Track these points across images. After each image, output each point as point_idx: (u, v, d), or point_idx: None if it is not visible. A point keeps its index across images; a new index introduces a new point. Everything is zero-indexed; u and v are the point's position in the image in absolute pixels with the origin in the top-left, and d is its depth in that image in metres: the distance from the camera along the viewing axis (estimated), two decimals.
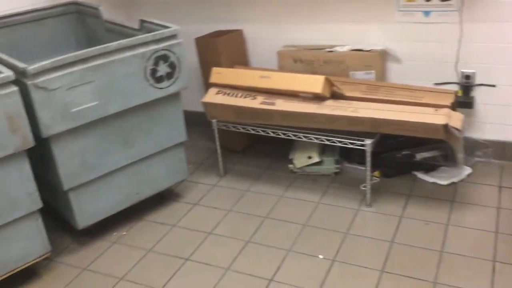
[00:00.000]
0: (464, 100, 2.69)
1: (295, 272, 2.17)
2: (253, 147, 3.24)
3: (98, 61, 2.13)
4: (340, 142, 2.54)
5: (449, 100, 2.46)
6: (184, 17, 3.20)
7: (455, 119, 2.30)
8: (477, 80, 2.69)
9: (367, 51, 2.77)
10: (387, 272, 2.11)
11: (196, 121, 3.28)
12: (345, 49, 2.82)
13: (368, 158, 2.46)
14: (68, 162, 2.19)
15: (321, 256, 2.24)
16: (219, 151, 2.92)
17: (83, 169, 2.25)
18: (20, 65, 1.98)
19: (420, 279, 2.06)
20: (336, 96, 2.53)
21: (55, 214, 2.50)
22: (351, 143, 2.50)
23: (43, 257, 2.22)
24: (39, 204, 2.12)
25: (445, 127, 2.25)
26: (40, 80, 1.98)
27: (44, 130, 2.05)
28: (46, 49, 2.74)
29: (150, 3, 3.37)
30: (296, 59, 2.92)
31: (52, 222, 2.52)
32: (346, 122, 2.43)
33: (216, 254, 2.32)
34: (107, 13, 2.70)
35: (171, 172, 2.64)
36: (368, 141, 2.43)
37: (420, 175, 2.75)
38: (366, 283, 2.06)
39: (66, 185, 2.22)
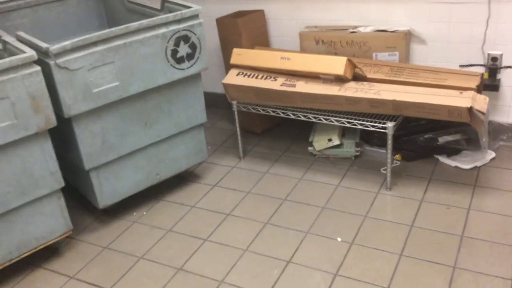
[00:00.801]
0: (490, 82, 2.63)
1: (313, 254, 2.17)
2: (272, 129, 3.23)
3: (119, 41, 2.14)
4: (361, 124, 2.51)
5: (474, 82, 2.40)
6: None
7: (480, 102, 2.25)
8: (504, 63, 2.63)
9: (391, 32, 2.71)
10: (406, 256, 2.10)
11: (216, 103, 3.29)
12: (368, 29, 2.77)
13: (389, 141, 2.43)
14: (89, 142, 2.22)
15: (339, 239, 2.24)
16: (238, 132, 2.91)
17: (104, 149, 2.27)
18: (43, 45, 1.99)
19: (439, 264, 2.04)
20: (358, 78, 2.49)
21: (77, 194, 2.54)
22: (373, 126, 2.47)
23: (65, 235, 2.26)
24: (61, 183, 2.16)
25: (470, 110, 2.20)
26: (62, 60, 2.00)
27: (66, 110, 2.07)
28: (68, 29, 2.76)
29: None
30: (318, 40, 2.88)
31: (74, 201, 2.57)
32: (368, 104, 2.40)
33: (235, 235, 2.34)
34: None
35: (190, 153, 2.65)
36: (389, 124, 2.40)
37: (442, 159, 2.71)
38: (385, 267, 2.05)
39: (87, 165, 2.25)
